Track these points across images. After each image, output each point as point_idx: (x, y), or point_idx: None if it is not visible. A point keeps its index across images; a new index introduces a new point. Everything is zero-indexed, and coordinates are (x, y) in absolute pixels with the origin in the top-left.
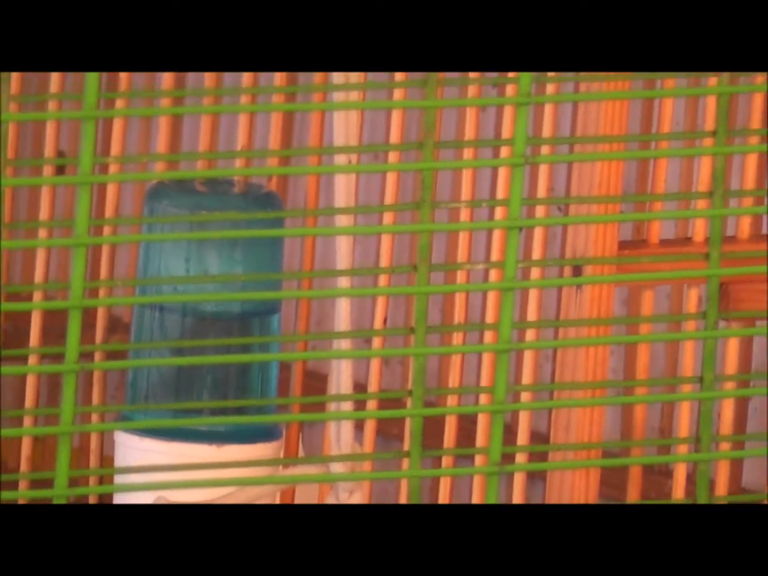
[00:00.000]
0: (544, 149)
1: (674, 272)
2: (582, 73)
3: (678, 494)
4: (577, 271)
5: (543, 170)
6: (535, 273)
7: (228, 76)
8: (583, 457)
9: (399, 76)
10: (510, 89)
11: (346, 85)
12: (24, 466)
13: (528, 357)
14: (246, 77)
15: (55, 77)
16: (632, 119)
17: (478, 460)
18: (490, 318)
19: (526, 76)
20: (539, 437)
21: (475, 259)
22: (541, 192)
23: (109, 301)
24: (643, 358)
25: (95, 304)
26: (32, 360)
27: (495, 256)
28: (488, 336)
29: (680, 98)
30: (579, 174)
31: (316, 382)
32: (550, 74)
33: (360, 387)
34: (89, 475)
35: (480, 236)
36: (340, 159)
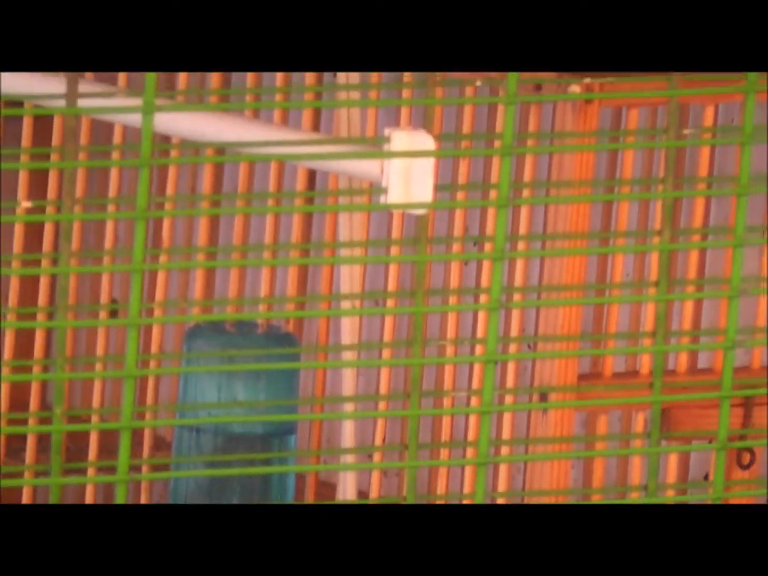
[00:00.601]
0: (517, 296)
1: (624, 399)
2: (549, 233)
3: None
4: (543, 397)
5: (515, 313)
6: (508, 399)
7: (253, 233)
8: None
9: (395, 233)
10: (488, 246)
11: (351, 243)
12: None
13: (503, 469)
14: (268, 235)
15: (109, 236)
16: (589, 271)
17: None
18: (471, 436)
19: (500, 235)
20: None
21: (459, 387)
22: (514, 331)
23: (154, 423)
24: (599, 470)
25: (142, 425)
26: (90, 472)
27: (475, 384)
28: (470, 451)
29: (629, 254)
30: (545, 316)
31: (327, 490)
32: (522, 232)
33: (363, 494)
34: None
35: (462, 368)
36: (346, 304)
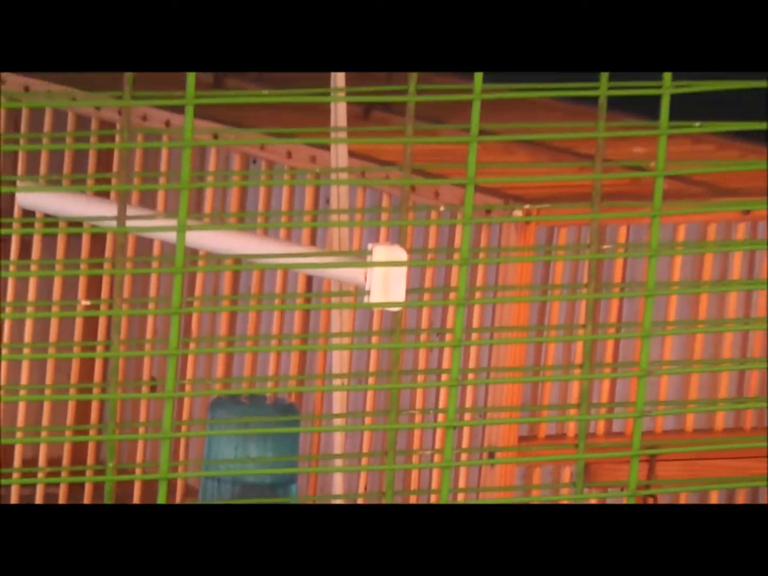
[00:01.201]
0: (471, 375)
1: (554, 456)
2: (496, 326)
3: None
4: (491, 455)
5: (470, 389)
6: (464, 456)
7: (263, 325)
8: None
9: (376, 326)
10: (448, 336)
11: (341, 333)
12: None
13: None
14: (275, 326)
15: (149, 327)
16: (528, 355)
17: None
18: (434, 485)
19: (458, 327)
20: None
21: (426, 446)
22: (469, 403)
23: (185, 475)
24: None
25: (176, 476)
26: None
27: (438, 444)
28: (433, 497)
29: (560, 343)
30: (493, 390)
31: None
32: (475, 325)
33: None
34: None
35: (428, 432)
36: (337, 381)
